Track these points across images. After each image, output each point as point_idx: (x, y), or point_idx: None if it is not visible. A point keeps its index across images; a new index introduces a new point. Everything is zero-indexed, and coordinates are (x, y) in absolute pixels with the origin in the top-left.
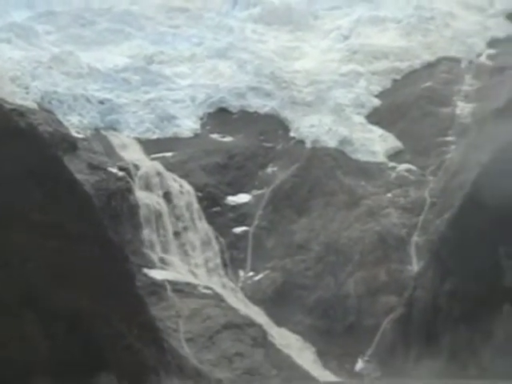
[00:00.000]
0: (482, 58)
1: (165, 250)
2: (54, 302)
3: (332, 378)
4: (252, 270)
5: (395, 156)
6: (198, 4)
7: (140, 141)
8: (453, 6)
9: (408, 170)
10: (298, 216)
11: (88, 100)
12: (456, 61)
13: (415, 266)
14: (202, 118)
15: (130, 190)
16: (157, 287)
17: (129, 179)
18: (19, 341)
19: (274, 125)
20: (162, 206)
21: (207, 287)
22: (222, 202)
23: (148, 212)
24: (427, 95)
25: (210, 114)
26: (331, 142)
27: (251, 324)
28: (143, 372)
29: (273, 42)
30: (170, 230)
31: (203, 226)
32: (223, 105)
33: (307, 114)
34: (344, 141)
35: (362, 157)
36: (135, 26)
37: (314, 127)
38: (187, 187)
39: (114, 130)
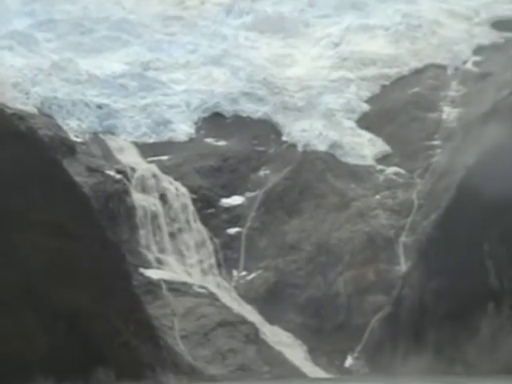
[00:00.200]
0: (468, 65)
1: (161, 250)
2: (54, 301)
3: (322, 374)
4: (245, 269)
5: (384, 159)
6: (193, 12)
7: (137, 144)
8: (439, 14)
9: (396, 173)
10: (290, 217)
11: (86, 105)
12: (442, 67)
13: (403, 266)
14: (196, 123)
15: (127, 192)
16: (153, 286)
17: (126, 182)
18: (20, 339)
19: (267, 129)
20: (158, 207)
21: (202, 286)
22: (216, 204)
23: (144, 213)
24: (415, 101)
25: (204, 118)
26: (322, 146)
27: (244, 322)
28: (140, 368)
29: (265, 50)
30: (166, 230)
31: (198, 227)
32: (217, 110)
33: (299, 118)
34: (334, 145)
35: (351, 160)
36: (132, 33)
37: (305, 131)
38: (182, 189)
39: (112, 134)
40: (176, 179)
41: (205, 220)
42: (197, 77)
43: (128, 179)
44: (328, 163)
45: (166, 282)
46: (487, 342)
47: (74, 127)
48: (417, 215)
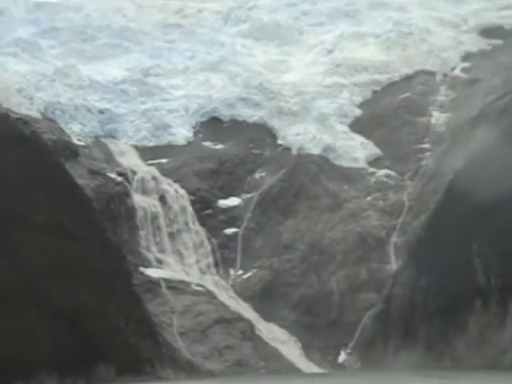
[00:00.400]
0: (457, 71)
1: (160, 250)
2: (56, 300)
3: (316, 369)
4: (241, 268)
5: (375, 162)
6: (191, 21)
7: (137, 148)
8: (429, 22)
9: (387, 176)
10: (285, 218)
11: (89, 110)
12: (432, 73)
13: (394, 265)
14: (194, 127)
15: (127, 194)
16: (152, 285)
17: (126, 184)
18: (23, 338)
19: (262, 133)
20: (158, 208)
21: (200, 285)
22: (214, 205)
23: (144, 214)
24: (405, 105)
25: (202, 123)
26: (316, 150)
27: (241, 319)
28: (139, 364)
29: (261, 56)
30: (165, 231)
31: (196, 227)
32: (215, 114)
33: (293, 123)
34: (328, 148)
35: (344, 163)
36: (133, 41)
37: (299, 135)
38: (181, 191)
39: (113, 137)
40: (175, 181)
41: (203, 221)
42: (195, 82)
43: (129, 181)
44: (321, 166)
45: (165, 280)
46: (475, 338)
47: (77, 131)
48: (407, 216)
